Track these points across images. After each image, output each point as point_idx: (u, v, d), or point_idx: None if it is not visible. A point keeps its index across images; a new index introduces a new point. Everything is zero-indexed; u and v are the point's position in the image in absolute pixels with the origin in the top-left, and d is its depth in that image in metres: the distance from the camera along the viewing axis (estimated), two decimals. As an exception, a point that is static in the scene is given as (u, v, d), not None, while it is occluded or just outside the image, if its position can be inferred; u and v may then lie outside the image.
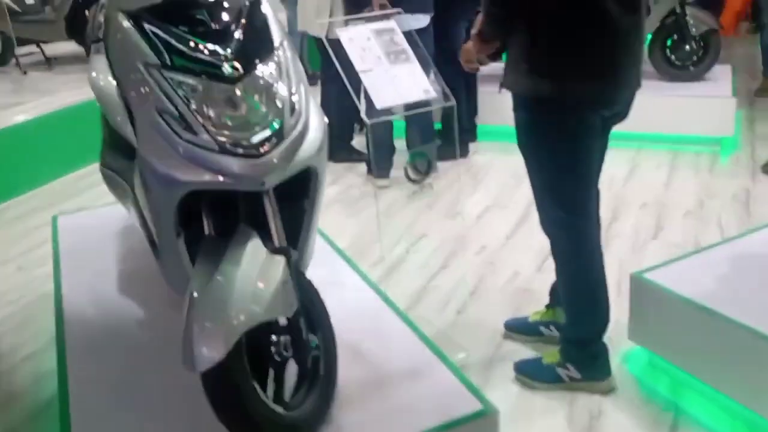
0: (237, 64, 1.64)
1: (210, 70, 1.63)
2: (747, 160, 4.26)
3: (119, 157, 2.31)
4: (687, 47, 4.66)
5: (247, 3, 1.81)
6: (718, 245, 2.57)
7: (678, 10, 4.56)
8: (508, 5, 2.01)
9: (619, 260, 3.09)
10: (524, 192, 3.08)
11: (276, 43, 1.76)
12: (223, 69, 1.63)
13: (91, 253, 2.90)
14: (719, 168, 4.19)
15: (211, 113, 1.59)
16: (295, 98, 1.69)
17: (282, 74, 1.70)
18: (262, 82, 1.65)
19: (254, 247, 1.65)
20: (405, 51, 2.33)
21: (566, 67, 1.98)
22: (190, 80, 1.62)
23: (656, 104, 4.28)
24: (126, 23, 1.75)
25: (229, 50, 1.67)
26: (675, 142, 4.48)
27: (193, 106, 1.59)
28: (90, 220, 3.27)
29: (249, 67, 1.65)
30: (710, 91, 4.63)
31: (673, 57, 4.71)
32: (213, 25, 1.72)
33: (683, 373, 2.29)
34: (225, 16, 1.74)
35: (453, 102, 2.42)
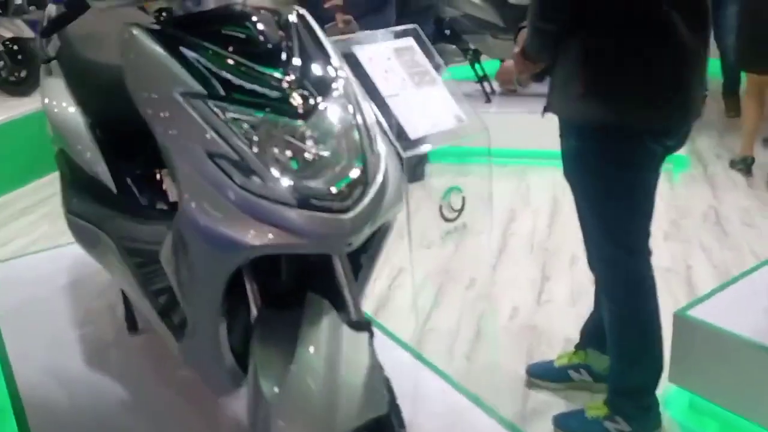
0: (305, 93, 1.31)
1: (273, 102, 1.29)
2: (701, 177, 4.29)
3: (91, 202, 1.90)
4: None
5: (294, 16, 1.48)
6: (750, 274, 2.46)
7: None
8: (560, 21, 1.79)
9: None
10: (497, 215, 2.90)
11: (336, 64, 1.44)
12: (291, 100, 1.29)
13: (36, 315, 2.44)
14: (678, 187, 4.18)
15: (280, 156, 1.25)
16: (372, 132, 1.37)
17: (351, 103, 1.38)
18: (334, 114, 1.33)
19: (332, 323, 1.32)
20: (428, 72, 2.06)
21: (630, 91, 1.78)
22: (250, 115, 1.27)
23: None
24: (148, 42, 1.37)
25: (291, 75, 1.33)
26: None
27: (255, 149, 1.24)
28: (25, 270, 2.78)
29: (317, 97, 1.33)
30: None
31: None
32: (264, 43, 1.38)
33: (732, 414, 2.13)
34: (274, 32, 1.40)
35: (487, 129, 2.16)
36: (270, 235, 1.22)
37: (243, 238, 1.22)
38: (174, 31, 1.38)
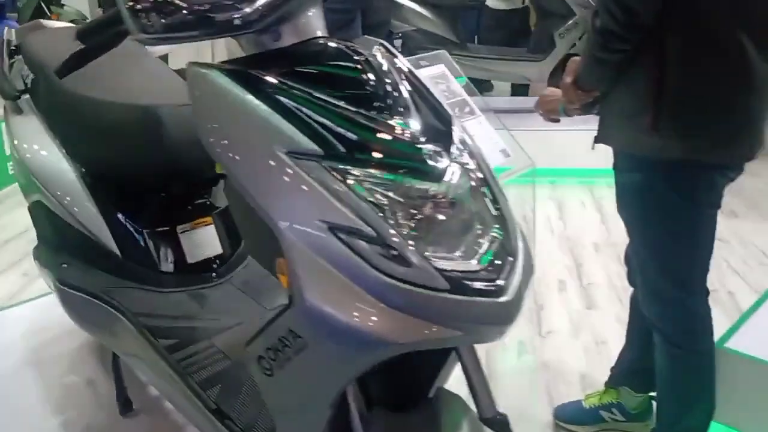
0: (434, 148, 1.08)
1: (403, 161, 1.05)
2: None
3: (88, 269, 1.59)
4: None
5: (383, 51, 1.24)
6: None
7: (577, 43, 4.54)
8: (624, 51, 1.64)
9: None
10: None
11: (446, 108, 1.21)
12: (422, 157, 1.06)
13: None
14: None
15: (420, 228, 1.01)
16: (500, 190, 1.15)
17: (474, 156, 1.16)
18: (465, 172, 1.10)
19: (472, 423, 1.10)
20: (467, 102, 1.86)
21: (708, 125, 1.66)
22: (379, 178, 1.02)
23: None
24: (233, 88, 1.09)
25: (411, 125, 1.10)
26: (591, 175, 4.42)
27: (391, 220, 1.00)
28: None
29: (445, 152, 1.10)
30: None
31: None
32: (371, 86, 1.13)
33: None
34: (376, 72, 1.16)
35: (534, 164, 1.98)
36: (419, 329, 0.98)
37: (387, 334, 0.97)
38: (260, 73, 1.11)
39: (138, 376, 1.87)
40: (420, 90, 1.19)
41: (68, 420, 1.94)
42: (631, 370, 2.14)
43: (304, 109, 1.07)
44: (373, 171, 1.03)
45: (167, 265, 1.70)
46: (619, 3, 1.56)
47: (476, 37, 5.49)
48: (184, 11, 1.09)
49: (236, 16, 1.08)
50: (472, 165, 1.13)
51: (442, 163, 1.07)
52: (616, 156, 1.82)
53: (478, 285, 1.00)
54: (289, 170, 1.03)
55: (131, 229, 1.71)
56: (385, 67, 1.17)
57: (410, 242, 0.99)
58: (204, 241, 1.74)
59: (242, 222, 1.17)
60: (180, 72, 1.96)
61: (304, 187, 1.02)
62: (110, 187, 1.72)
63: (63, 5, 6.17)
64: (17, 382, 2.11)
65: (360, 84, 1.12)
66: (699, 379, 1.93)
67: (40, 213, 1.79)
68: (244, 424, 1.30)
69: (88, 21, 1.49)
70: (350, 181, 1.01)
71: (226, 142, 1.09)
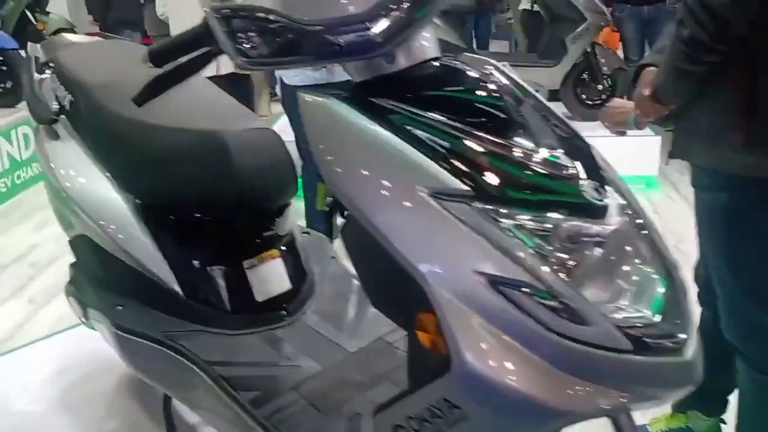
0: (592, 182, 0.96)
1: (563, 198, 0.93)
2: (677, 199, 4.25)
3: (148, 312, 1.45)
4: (598, 86, 4.58)
5: (501, 69, 1.11)
6: None
7: (589, 50, 4.47)
8: (714, 62, 1.54)
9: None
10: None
11: (585, 141, 1.09)
12: (582, 192, 0.94)
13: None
14: (658, 209, 4.11)
15: (591, 277, 0.89)
16: (654, 232, 1.03)
17: (623, 190, 1.03)
18: (623, 209, 0.98)
19: None
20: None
21: None
22: (540, 220, 0.90)
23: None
24: (360, 120, 0.96)
25: (568, 158, 0.97)
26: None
27: (562, 271, 0.87)
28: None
29: (602, 186, 0.98)
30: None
31: (584, 96, 4.61)
32: (512, 114, 1.00)
33: None
34: (509, 95, 1.03)
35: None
36: (604, 397, 0.86)
37: (568, 404, 0.85)
38: (384, 102, 0.97)
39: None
40: (551, 114, 1.06)
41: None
42: (701, 394, 2.04)
43: (441, 142, 0.94)
44: (531, 212, 0.90)
45: (235, 304, 1.55)
46: (709, 12, 1.44)
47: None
48: (296, 33, 0.96)
49: (361, 37, 0.95)
50: (621, 198, 1.01)
51: (603, 199, 0.95)
52: (697, 173, 1.71)
53: (661, 342, 0.88)
54: (437, 214, 0.90)
55: (194, 264, 1.56)
56: (513, 91, 1.05)
57: (584, 295, 0.86)
58: (272, 276, 1.59)
59: (365, 271, 1.03)
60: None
61: (456, 234, 0.89)
62: (168, 218, 1.57)
63: (48, 13, 5.95)
64: (49, 428, 1.94)
65: (495, 110, 1.00)
66: None
67: (85, 248, 1.63)
68: None
69: (161, 42, 1.31)
70: (507, 225, 0.89)
71: (355, 181, 0.95)
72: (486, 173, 0.92)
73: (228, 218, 1.56)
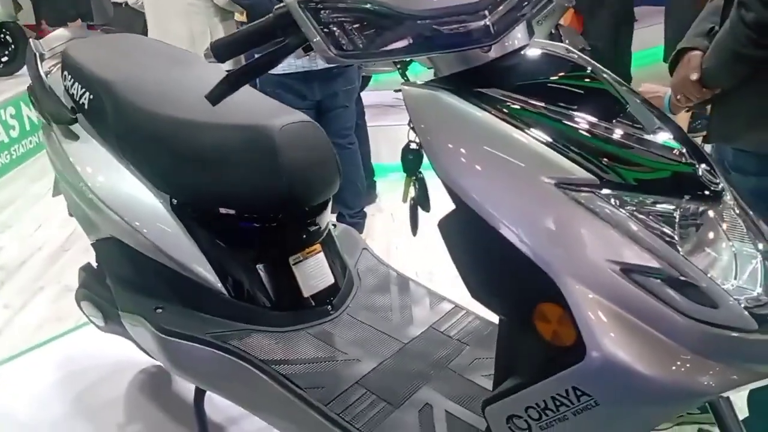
0: (705, 166, 0.98)
1: (684, 183, 0.94)
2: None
3: (195, 313, 1.43)
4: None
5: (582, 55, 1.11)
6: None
7: (553, 31, 4.52)
8: None
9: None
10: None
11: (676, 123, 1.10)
12: (699, 177, 0.95)
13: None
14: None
15: (715, 260, 0.91)
16: (749, 209, 1.06)
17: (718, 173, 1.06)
18: (727, 191, 1.00)
19: None
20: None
21: None
22: (666, 206, 0.91)
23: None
24: (476, 112, 0.96)
25: (679, 143, 0.99)
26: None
27: (691, 255, 0.89)
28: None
29: (714, 170, 1.00)
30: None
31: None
32: (616, 100, 1.01)
33: None
34: (612, 83, 1.04)
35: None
36: (737, 375, 0.88)
37: (702, 386, 0.87)
38: (494, 92, 0.97)
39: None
40: (640, 97, 1.08)
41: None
42: None
43: (558, 131, 0.94)
44: (655, 197, 0.92)
45: (281, 301, 1.52)
46: None
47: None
48: (402, 24, 0.94)
49: (478, 27, 0.93)
50: (722, 180, 1.03)
51: (717, 182, 0.97)
52: (739, 156, 1.71)
53: None
54: (565, 204, 0.90)
55: (239, 263, 1.52)
56: (606, 76, 1.06)
57: (711, 278, 0.89)
58: (317, 271, 1.57)
59: (470, 261, 1.03)
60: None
61: (586, 223, 0.90)
62: (209, 218, 1.52)
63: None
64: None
65: (601, 97, 1.00)
66: None
67: (116, 250, 1.57)
68: None
69: (226, 36, 1.26)
70: (634, 212, 0.90)
71: (473, 174, 0.95)
72: (608, 160, 0.93)
73: (273, 215, 1.53)
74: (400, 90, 1.08)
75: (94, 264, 1.89)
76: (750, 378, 0.90)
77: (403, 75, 4.03)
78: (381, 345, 1.48)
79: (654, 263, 0.88)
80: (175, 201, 1.52)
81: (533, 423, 0.97)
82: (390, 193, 4.39)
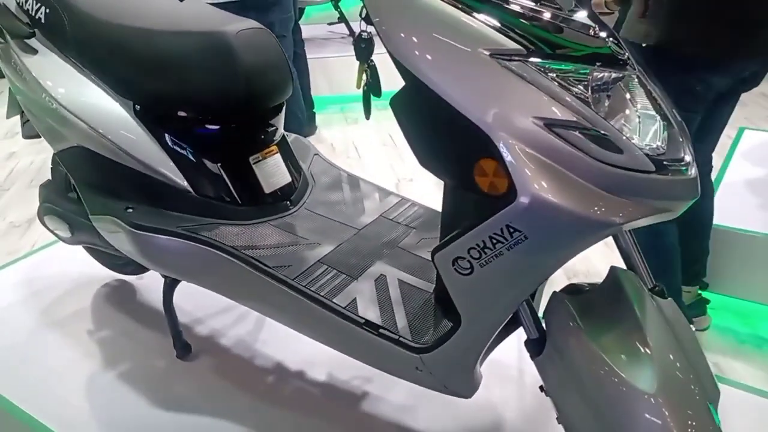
0: (614, 40, 1.16)
1: (596, 52, 1.12)
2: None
3: (164, 211, 1.56)
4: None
5: None
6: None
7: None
8: None
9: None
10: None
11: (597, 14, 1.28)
12: (610, 48, 1.13)
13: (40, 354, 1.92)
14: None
15: (621, 115, 1.10)
16: (656, 86, 1.24)
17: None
18: (634, 66, 1.19)
19: (647, 295, 1.23)
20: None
21: None
22: (581, 71, 1.08)
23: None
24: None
25: (594, 23, 1.16)
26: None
27: (600, 111, 1.07)
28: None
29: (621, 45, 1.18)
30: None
31: None
32: None
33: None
34: None
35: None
36: (635, 209, 1.08)
37: (608, 217, 1.06)
38: None
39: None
40: None
41: (123, 373, 1.86)
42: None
43: (496, 12, 1.10)
44: (573, 65, 1.09)
45: (245, 198, 1.66)
46: None
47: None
48: None
49: None
50: (627, 52, 1.21)
51: (624, 54, 1.15)
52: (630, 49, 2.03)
53: (672, 165, 1.11)
54: (498, 71, 1.07)
55: (202, 163, 1.64)
56: None
57: (621, 130, 1.07)
58: (275, 170, 1.70)
59: (418, 132, 1.18)
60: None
61: (515, 87, 1.06)
62: (169, 121, 1.63)
63: None
64: (42, 347, 1.97)
65: None
66: None
67: (83, 158, 1.66)
68: (398, 329, 1.35)
69: None
70: (555, 76, 1.07)
71: (423, 48, 1.10)
72: (535, 35, 1.10)
73: (231, 117, 1.65)
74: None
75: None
76: (650, 212, 1.10)
77: (336, 7, 4.09)
78: (338, 231, 1.64)
79: (571, 117, 1.06)
80: (137, 107, 1.62)
81: (474, 262, 1.15)
82: (329, 124, 4.52)
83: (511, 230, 1.10)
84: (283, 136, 1.80)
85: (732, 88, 2.05)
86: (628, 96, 1.13)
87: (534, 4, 1.14)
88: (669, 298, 1.28)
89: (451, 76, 1.09)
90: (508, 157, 1.06)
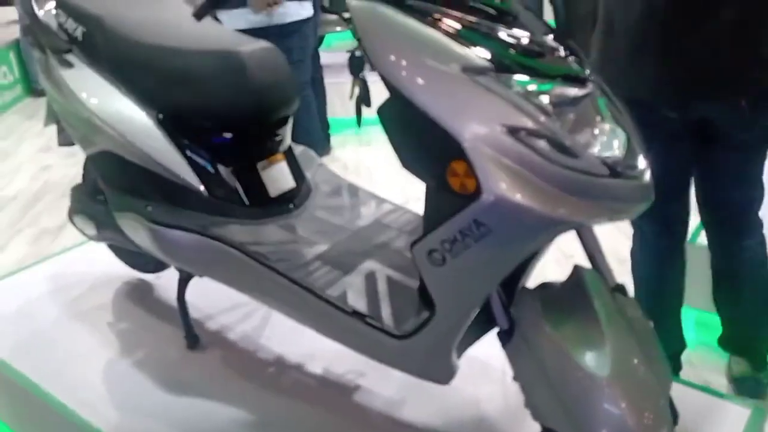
0: (576, 58, 1.31)
1: (556, 69, 1.28)
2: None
3: (179, 209, 1.73)
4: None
5: None
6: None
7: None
8: None
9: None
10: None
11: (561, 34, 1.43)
12: (570, 66, 1.29)
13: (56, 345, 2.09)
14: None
15: (579, 126, 1.25)
16: (615, 98, 1.39)
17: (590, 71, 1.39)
18: (596, 79, 1.34)
19: (609, 292, 1.37)
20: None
21: None
22: (542, 85, 1.24)
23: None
24: (402, 18, 1.28)
25: (557, 42, 1.32)
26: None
27: (558, 120, 1.23)
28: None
29: (583, 62, 1.33)
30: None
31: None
32: (510, 12, 1.33)
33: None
34: (516, 3, 1.36)
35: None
36: (589, 209, 1.22)
37: (565, 215, 1.20)
38: (418, 4, 1.28)
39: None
40: (536, 15, 1.41)
41: (138, 362, 2.02)
42: None
43: (465, 32, 1.27)
44: (536, 79, 1.25)
45: (252, 199, 1.83)
46: None
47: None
48: None
49: None
50: (589, 69, 1.37)
51: (585, 72, 1.31)
52: None
53: (626, 170, 1.25)
54: (468, 84, 1.23)
55: (214, 167, 1.82)
56: None
57: (577, 138, 1.22)
58: (280, 175, 1.88)
59: (401, 138, 1.34)
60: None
61: (483, 98, 1.22)
62: (189, 129, 1.81)
63: None
64: (66, 334, 2.15)
65: (502, 10, 1.32)
66: None
67: (110, 161, 1.85)
68: (383, 318, 1.50)
69: None
70: (520, 90, 1.23)
71: (403, 65, 1.27)
72: (501, 52, 1.26)
73: (242, 127, 1.83)
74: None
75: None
76: (604, 213, 1.25)
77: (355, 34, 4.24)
78: (335, 232, 1.81)
79: (532, 125, 1.21)
80: (161, 116, 1.81)
81: (447, 254, 1.30)
82: (343, 145, 4.71)
83: (478, 224, 1.25)
84: (290, 146, 1.98)
85: (701, 131, 1.96)
86: (593, 111, 1.29)
87: (507, 28, 1.30)
88: (632, 297, 1.42)
89: (427, 89, 1.25)
90: (475, 159, 1.22)
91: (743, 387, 2.22)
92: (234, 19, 3.47)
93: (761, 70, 1.79)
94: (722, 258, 2.15)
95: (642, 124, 1.88)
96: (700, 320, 2.55)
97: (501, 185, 1.21)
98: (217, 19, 3.69)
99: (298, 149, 2.11)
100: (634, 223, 2.17)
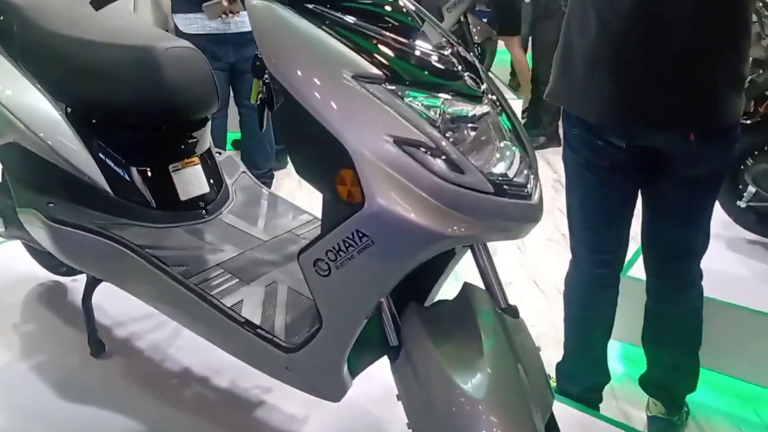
0: (471, 74, 1.27)
1: (450, 84, 1.23)
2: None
3: (77, 206, 1.67)
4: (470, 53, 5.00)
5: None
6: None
7: (462, 19, 4.87)
8: None
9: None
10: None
11: (466, 49, 1.40)
12: (465, 81, 1.25)
13: None
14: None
15: (468, 142, 1.20)
16: (515, 118, 1.36)
17: (491, 88, 1.35)
18: (494, 96, 1.30)
19: (495, 311, 1.32)
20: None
21: None
22: (433, 98, 1.20)
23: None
24: (297, 20, 1.23)
25: (455, 57, 1.28)
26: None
27: (448, 134, 1.18)
28: None
29: (479, 78, 1.29)
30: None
31: (456, 61, 5.01)
32: (409, 18, 1.29)
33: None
34: (414, 11, 1.32)
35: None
36: (471, 226, 1.17)
37: (446, 230, 1.15)
38: (317, 8, 1.24)
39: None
40: (443, 30, 1.37)
41: (39, 365, 1.94)
42: None
43: (360, 39, 1.22)
44: (426, 92, 1.21)
45: (160, 202, 1.77)
46: None
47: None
48: None
49: None
50: (491, 93, 1.33)
51: (479, 89, 1.26)
52: None
53: (513, 190, 1.21)
54: (358, 92, 1.18)
55: (122, 167, 1.75)
56: (417, 12, 1.34)
57: (461, 152, 1.18)
58: (193, 179, 1.82)
59: (294, 143, 1.29)
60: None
61: (372, 107, 1.17)
62: (98, 125, 1.75)
63: None
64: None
65: (402, 21, 1.28)
66: None
67: (16, 154, 1.78)
68: (275, 329, 1.44)
69: None
70: (409, 101, 1.18)
71: (295, 68, 1.21)
72: (395, 63, 1.22)
73: (155, 126, 1.77)
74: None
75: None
76: (488, 230, 1.20)
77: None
78: (244, 241, 1.74)
79: (419, 137, 1.16)
80: (69, 110, 1.74)
81: (331, 264, 1.24)
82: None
83: (360, 235, 1.19)
84: (209, 150, 1.92)
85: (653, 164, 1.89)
86: (486, 128, 1.24)
87: (407, 39, 1.26)
88: (520, 318, 1.37)
89: (317, 94, 1.20)
90: (360, 168, 1.17)
91: (657, 427, 2.18)
92: (190, 23, 3.43)
93: (710, 106, 1.73)
94: (656, 301, 2.11)
95: (588, 148, 1.89)
96: (628, 354, 2.51)
97: (384, 196, 1.15)
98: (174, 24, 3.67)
99: (223, 156, 2.05)
100: (571, 249, 2.14)
